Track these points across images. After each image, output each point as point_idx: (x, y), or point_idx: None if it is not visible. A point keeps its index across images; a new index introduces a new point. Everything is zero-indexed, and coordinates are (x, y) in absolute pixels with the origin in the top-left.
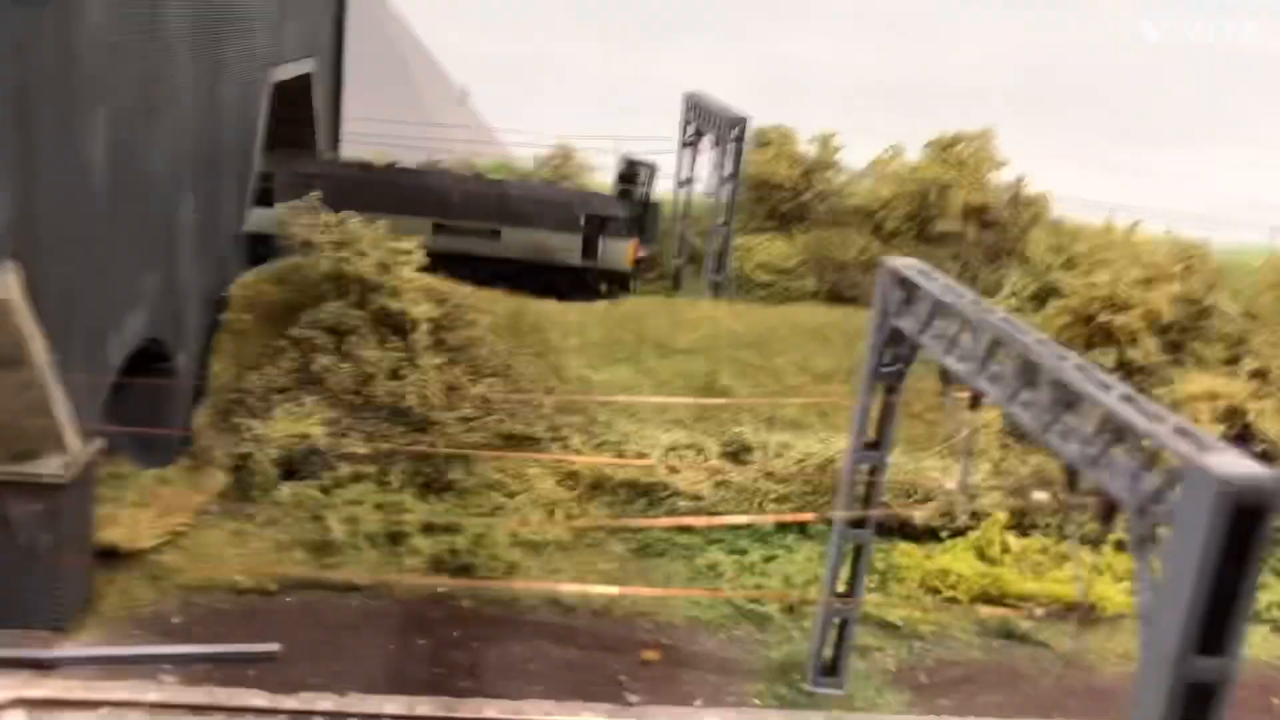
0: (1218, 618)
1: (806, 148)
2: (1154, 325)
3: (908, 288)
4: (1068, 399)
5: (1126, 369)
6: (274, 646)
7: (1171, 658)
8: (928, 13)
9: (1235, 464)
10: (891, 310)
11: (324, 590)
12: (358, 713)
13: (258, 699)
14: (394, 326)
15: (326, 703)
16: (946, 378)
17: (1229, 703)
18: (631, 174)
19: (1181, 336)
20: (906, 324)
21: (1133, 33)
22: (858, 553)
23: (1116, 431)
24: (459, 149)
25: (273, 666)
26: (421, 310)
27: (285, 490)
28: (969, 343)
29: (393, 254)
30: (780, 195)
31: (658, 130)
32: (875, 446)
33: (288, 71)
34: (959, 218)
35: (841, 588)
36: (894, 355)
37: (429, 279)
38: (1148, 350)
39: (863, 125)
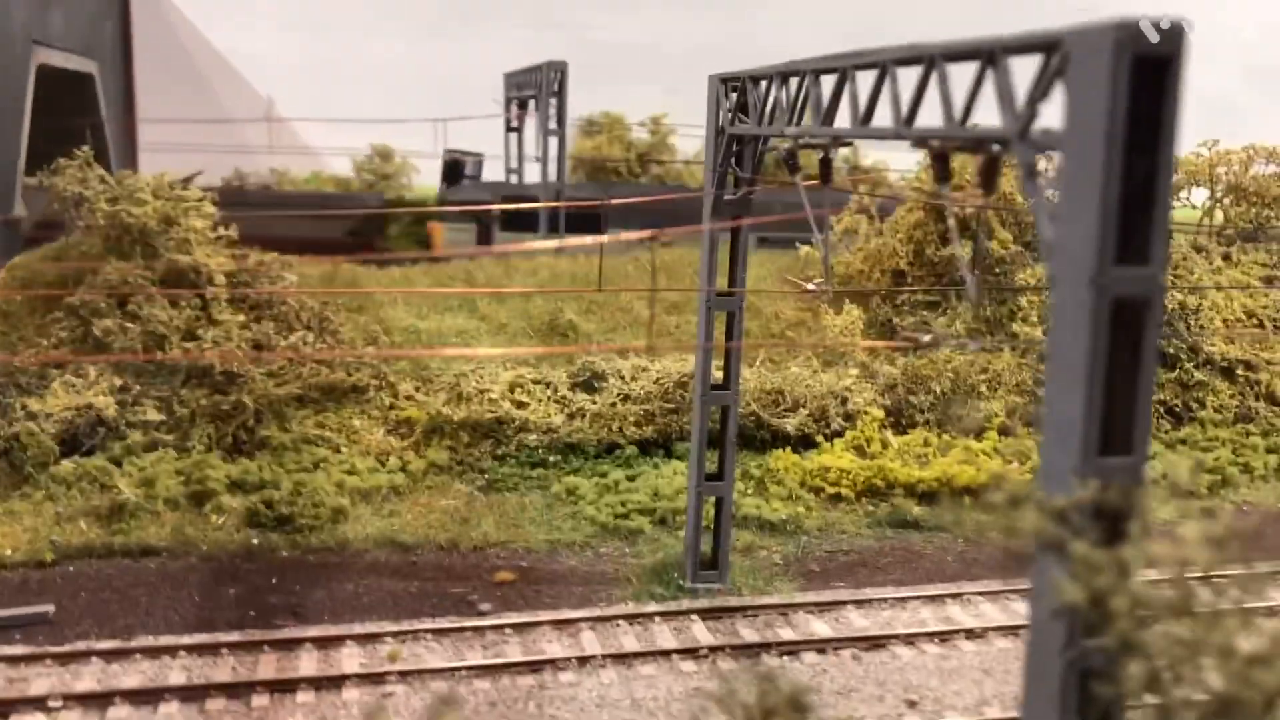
0: (1134, 216)
1: (637, 132)
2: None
3: (739, 88)
4: (930, 69)
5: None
6: (46, 608)
7: (1090, 273)
8: None
9: (1124, 18)
10: (725, 122)
11: (114, 556)
12: (146, 647)
13: (17, 649)
14: (187, 284)
15: (107, 645)
16: (794, 163)
17: (1157, 322)
18: (457, 165)
19: (1035, 238)
20: (744, 128)
21: None
22: (724, 422)
23: (989, 58)
24: (267, 159)
25: (45, 629)
26: (217, 263)
27: (66, 465)
28: (815, 96)
29: (178, 204)
30: (615, 180)
31: (481, 129)
32: (730, 294)
33: (56, 59)
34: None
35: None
36: (736, 179)
37: (224, 231)
38: (1004, 240)
39: (689, 105)
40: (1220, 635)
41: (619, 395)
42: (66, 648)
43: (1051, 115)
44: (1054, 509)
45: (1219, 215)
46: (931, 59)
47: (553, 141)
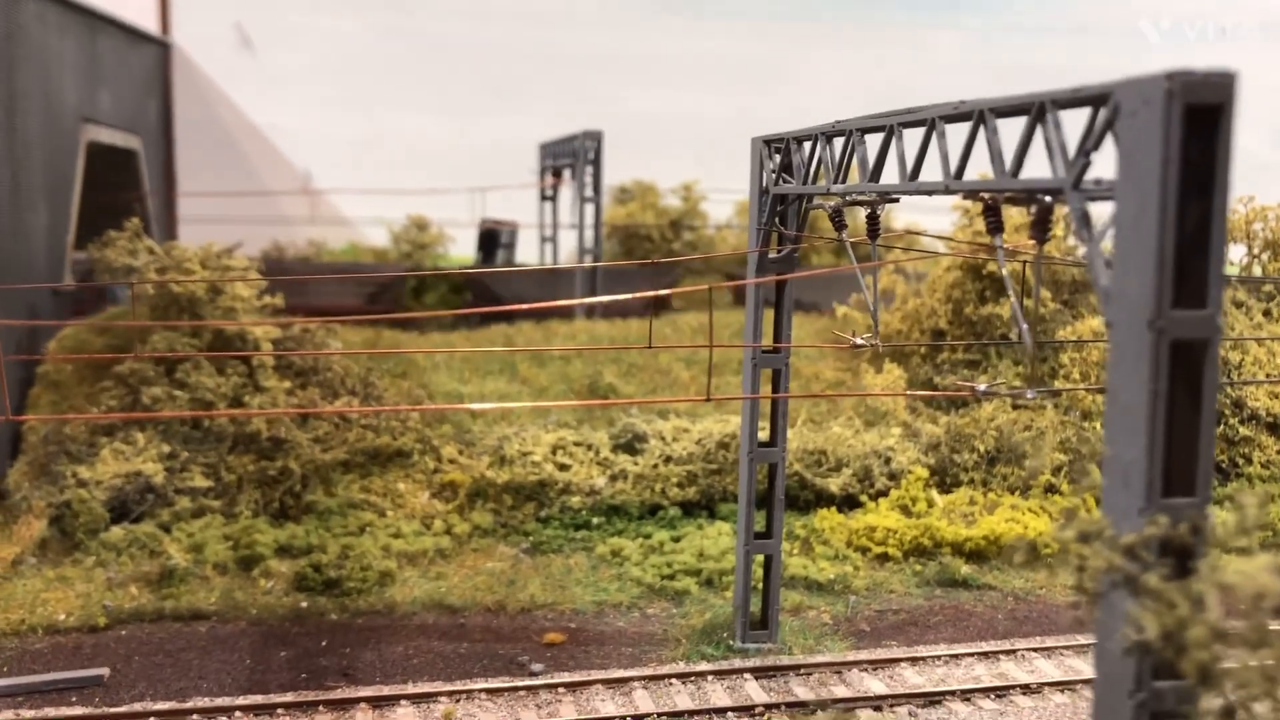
0: (1189, 260)
1: (670, 199)
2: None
3: (783, 149)
4: (979, 124)
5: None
6: (101, 671)
7: (1148, 317)
8: (765, 60)
9: (1174, 69)
10: (769, 182)
11: (165, 621)
12: (202, 708)
13: (75, 710)
14: (232, 351)
15: (163, 705)
16: (838, 220)
17: (1215, 364)
18: (493, 235)
19: (1073, 297)
20: (788, 187)
21: (981, 61)
22: (772, 480)
23: (1038, 112)
24: (306, 230)
25: (100, 691)
26: (263, 331)
27: (116, 531)
28: (861, 154)
29: (225, 274)
30: (649, 246)
31: (515, 198)
32: (775, 351)
33: (104, 135)
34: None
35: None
36: (780, 237)
37: (268, 299)
38: (1044, 298)
39: (722, 173)
40: None
41: (661, 457)
42: (124, 709)
43: (1100, 165)
44: (1124, 545)
45: (1256, 271)
46: (981, 114)
47: (589, 209)
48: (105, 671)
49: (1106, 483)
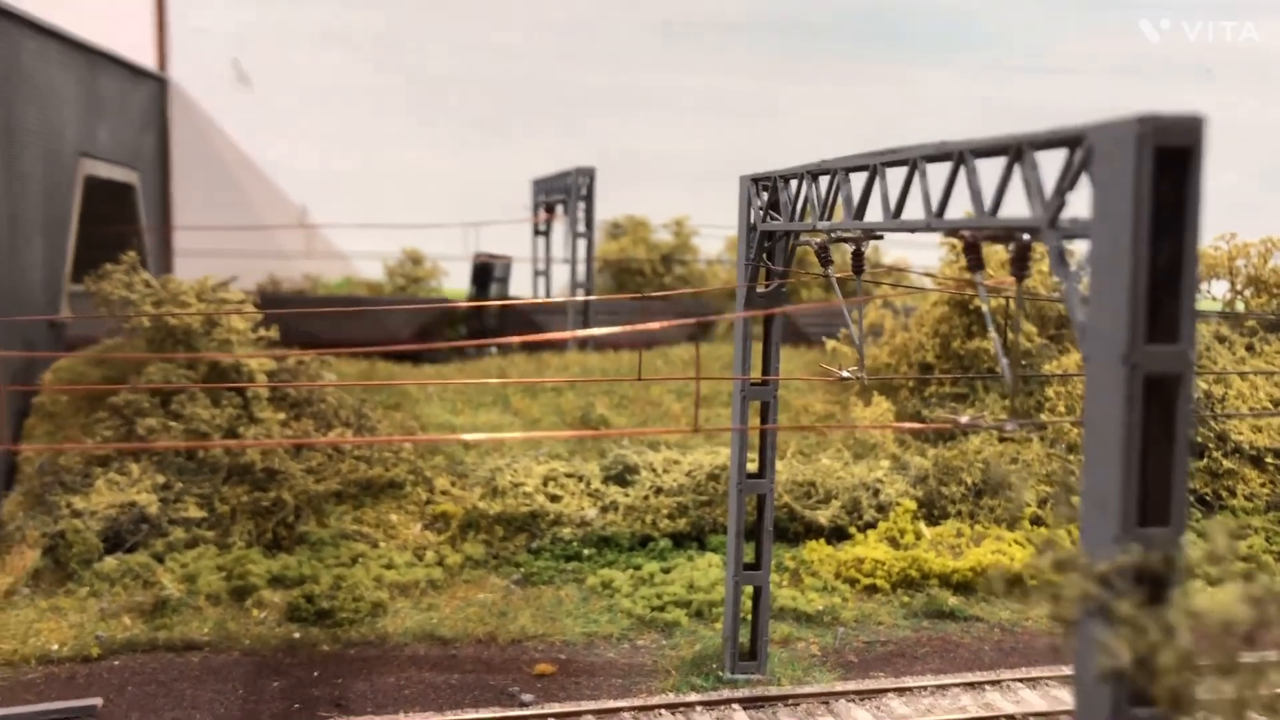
0: (1162, 297)
1: (661, 234)
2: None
3: (770, 187)
4: (960, 164)
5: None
6: (94, 701)
7: (1122, 352)
8: (756, 96)
9: (1145, 113)
10: (756, 219)
11: (158, 651)
12: None
13: None
14: (227, 382)
15: None
16: (824, 256)
17: (1188, 398)
18: (486, 269)
19: (1060, 331)
20: (775, 224)
21: (963, 97)
22: (761, 511)
23: (1016, 153)
24: (302, 264)
25: None
26: (258, 363)
27: (110, 562)
28: (845, 192)
29: (221, 307)
30: (640, 280)
31: (509, 232)
32: (764, 384)
33: (102, 170)
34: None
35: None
36: (768, 272)
37: (263, 332)
38: (1030, 333)
39: (713, 207)
40: (1267, 690)
41: (652, 488)
42: None
43: (1077, 204)
44: (1098, 573)
45: (1239, 307)
46: (961, 154)
47: (581, 244)
48: (98, 702)
49: (1084, 512)
